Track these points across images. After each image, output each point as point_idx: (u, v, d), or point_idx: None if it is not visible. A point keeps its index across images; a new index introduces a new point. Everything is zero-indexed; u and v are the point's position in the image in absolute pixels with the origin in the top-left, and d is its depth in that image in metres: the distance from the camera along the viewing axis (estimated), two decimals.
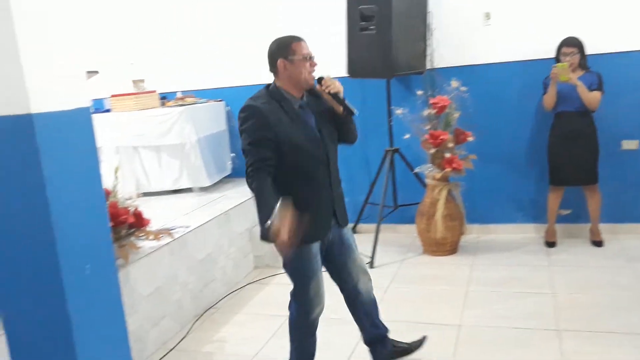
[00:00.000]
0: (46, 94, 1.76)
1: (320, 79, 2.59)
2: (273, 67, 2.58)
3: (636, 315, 3.29)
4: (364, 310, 2.86)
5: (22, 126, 1.70)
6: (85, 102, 1.93)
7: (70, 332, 1.85)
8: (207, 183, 4.99)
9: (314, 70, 2.58)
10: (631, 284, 3.70)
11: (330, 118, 2.65)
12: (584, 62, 4.25)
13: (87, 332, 1.92)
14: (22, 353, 1.94)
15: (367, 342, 2.93)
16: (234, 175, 5.49)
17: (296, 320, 2.76)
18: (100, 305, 1.99)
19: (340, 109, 2.62)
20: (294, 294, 2.73)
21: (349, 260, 2.76)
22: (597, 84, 4.21)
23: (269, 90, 2.58)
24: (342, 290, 2.83)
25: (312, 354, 2.84)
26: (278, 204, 2.33)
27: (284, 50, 2.54)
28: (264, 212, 2.36)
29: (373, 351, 2.94)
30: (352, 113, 2.63)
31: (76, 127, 1.87)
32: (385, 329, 2.93)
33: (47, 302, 1.85)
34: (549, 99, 4.27)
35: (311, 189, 2.57)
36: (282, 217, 2.31)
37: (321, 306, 2.74)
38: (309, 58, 2.55)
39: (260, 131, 2.44)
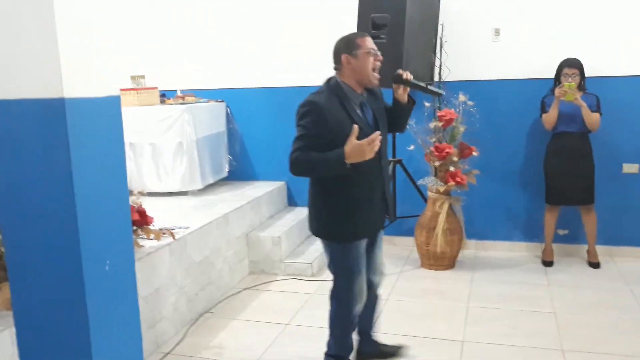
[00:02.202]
0: (79, 79, 1.67)
1: (399, 76, 2.65)
2: (337, 63, 2.60)
3: (638, 338, 3.29)
4: (368, 304, 2.90)
5: (54, 110, 1.61)
6: (116, 91, 1.85)
7: (87, 328, 1.75)
8: (203, 185, 4.89)
9: (378, 66, 2.58)
10: (631, 307, 3.70)
11: (385, 113, 2.76)
12: (583, 84, 4.28)
13: (103, 329, 1.82)
14: (31, 347, 1.83)
15: (359, 331, 3.01)
16: (230, 178, 5.39)
17: (338, 315, 2.80)
18: (117, 302, 1.90)
19: (406, 99, 2.71)
20: (336, 291, 2.77)
21: (375, 256, 2.85)
22: (595, 106, 4.24)
23: (329, 85, 2.59)
24: None
25: (351, 348, 2.92)
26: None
27: (348, 45, 2.56)
28: (331, 158, 2.42)
29: (361, 342, 3.04)
30: (439, 95, 2.86)
31: (106, 115, 1.78)
32: (371, 327, 3.06)
33: (65, 296, 1.74)
34: (551, 119, 4.28)
35: (364, 186, 2.60)
36: (350, 143, 2.38)
37: (363, 302, 2.78)
38: (374, 53, 2.56)
39: (316, 129, 2.46)
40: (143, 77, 5.15)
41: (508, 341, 3.29)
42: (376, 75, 2.58)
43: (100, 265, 1.78)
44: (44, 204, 1.69)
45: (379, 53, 2.58)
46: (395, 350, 3.09)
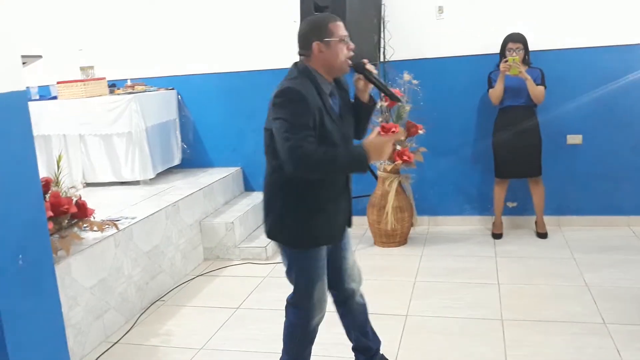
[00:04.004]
0: None
1: (361, 64, 2.38)
2: (306, 50, 2.29)
3: (574, 303, 3.40)
4: (353, 314, 2.68)
5: None
6: (20, 86, 1.85)
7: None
8: (154, 174, 4.89)
9: (350, 54, 2.32)
10: (572, 274, 3.82)
11: (350, 109, 2.47)
12: (527, 57, 4.36)
13: (19, 325, 1.85)
14: None
15: (354, 348, 2.78)
16: (184, 165, 5.40)
17: (295, 327, 2.54)
18: (34, 297, 1.92)
19: (367, 97, 2.45)
20: (294, 300, 2.51)
21: (347, 260, 2.58)
22: (540, 79, 4.33)
23: (300, 70, 2.30)
24: (334, 288, 2.60)
25: None
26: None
27: (319, 31, 2.26)
28: (352, 155, 2.21)
29: (357, 358, 2.79)
30: (397, 100, 2.52)
31: (10, 111, 1.79)
32: (376, 342, 2.77)
33: None
34: (497, 93, 4.35)
35: (331, 187, 2.36)
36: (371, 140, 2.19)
37: (323, 313, 2.53)
38: (346, 40, 2.29)
39: (303, 117, 2.16)
40: (92, 67, 5.12)
41: (449, 313, 3.38)
42: (348, 62, 2.32)
43: (11, 260, 1.80)
44: None
45: (349, 41, 2.31)
46: None
